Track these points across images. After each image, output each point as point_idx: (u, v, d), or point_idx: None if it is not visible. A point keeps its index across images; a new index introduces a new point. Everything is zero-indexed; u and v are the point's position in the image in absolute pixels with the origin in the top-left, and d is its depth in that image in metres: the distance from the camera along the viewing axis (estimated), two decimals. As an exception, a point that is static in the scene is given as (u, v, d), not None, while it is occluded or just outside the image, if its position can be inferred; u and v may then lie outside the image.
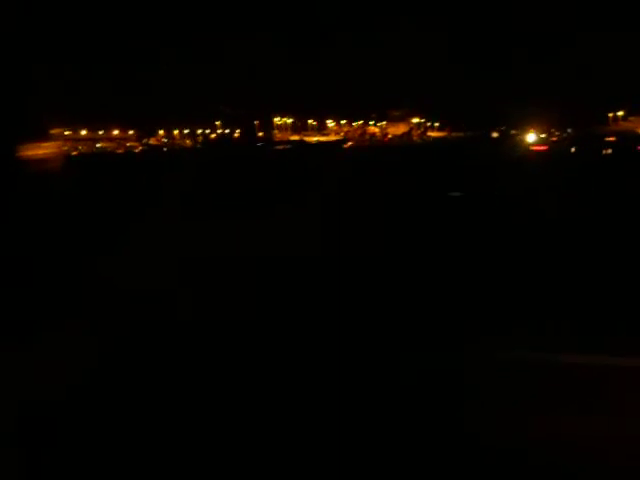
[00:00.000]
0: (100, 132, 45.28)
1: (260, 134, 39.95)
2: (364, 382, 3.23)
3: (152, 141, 46.17)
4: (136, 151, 42.00)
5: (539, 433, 2.75)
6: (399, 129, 42.10)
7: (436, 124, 42.21)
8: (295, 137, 39.77)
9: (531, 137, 34.25)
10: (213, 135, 43.95)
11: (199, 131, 44.74)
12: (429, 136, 41.73)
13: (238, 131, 41.88)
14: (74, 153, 39.16)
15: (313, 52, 38.59)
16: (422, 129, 42.29)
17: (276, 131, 41.35)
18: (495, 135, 38.35)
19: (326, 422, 2.90)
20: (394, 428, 2.85)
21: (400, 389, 3.15)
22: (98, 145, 44.90)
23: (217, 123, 40.79)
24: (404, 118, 42.09)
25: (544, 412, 2.87)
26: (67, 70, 38.89)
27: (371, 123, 42.79)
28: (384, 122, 42.42)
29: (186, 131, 46.28)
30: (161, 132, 46.41)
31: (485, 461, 2.64)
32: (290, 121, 40.72)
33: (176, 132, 46.68)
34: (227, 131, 43.24)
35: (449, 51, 37.43)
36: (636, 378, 3.13)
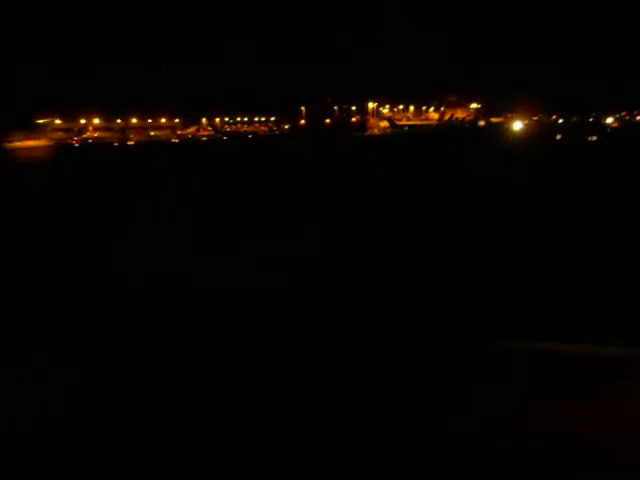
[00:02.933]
0: (149, 120, 42.83)
1: (353, 119, 41.56)
2: (361, 380, 3.17)
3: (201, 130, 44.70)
4: (225, 139, 40.90)
5: (540, 427, 2.65)
6: (458, 114, 46.30)
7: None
8: (384, 123, 42.08)
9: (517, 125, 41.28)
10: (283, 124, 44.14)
11: (252, 119, 44.51)
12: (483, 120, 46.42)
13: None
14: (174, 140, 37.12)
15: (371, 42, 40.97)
16: (482, 113, 46.84)
17: (358, 117, 43.06)
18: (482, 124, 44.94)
19: (326, 420, 2.85)
20: (390, 427, 2.77)
21: (397, 385, 3.08)
22: (152, 134, 42.49)
23: (302, 109, 41.42)
24: (461, 103, 46.37)
25: (545, 404, 2.78)
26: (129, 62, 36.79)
27: (431, 110, 46.33)
28: (442, 107, 46.29)
29: (224, 119, 45.60)
30: (204, 120, 45.11)
31: (485, 459, 2.57)
32: (374, 106, 42.77)
33: (217, 120, 45.76)
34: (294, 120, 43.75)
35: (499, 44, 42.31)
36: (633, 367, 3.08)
